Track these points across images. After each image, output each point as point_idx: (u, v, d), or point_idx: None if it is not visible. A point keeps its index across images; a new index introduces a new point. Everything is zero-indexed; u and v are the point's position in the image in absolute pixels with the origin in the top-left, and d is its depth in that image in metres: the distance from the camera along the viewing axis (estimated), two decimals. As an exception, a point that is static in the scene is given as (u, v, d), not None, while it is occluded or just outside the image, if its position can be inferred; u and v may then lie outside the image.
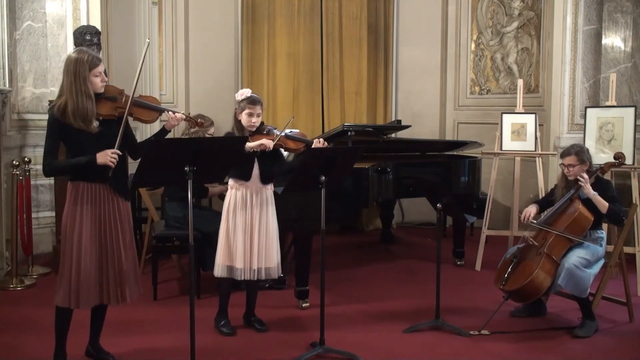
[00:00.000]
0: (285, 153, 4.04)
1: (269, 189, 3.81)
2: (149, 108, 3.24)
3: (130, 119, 3.18)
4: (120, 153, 3.10)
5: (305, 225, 4.21)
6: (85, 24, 5.27)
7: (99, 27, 5.22)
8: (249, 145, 3.57)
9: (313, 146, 3.72)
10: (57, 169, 3.21)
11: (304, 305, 4.30)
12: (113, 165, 3.06)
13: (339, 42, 7.12)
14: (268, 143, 3.64)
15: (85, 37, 4.99)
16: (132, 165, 4.64)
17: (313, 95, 7.12)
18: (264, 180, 3.76)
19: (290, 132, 3.86)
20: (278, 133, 3.76)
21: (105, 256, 3.16)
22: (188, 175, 2.92)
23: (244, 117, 3.71)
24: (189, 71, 7.07)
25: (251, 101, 3.70)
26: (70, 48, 5.13)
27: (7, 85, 5.06)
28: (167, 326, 3.94)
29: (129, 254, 3.25)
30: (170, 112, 3.29)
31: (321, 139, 3.79)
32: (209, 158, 3.01)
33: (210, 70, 7.01)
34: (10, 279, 4.75)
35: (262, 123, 3.78)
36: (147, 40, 3.25)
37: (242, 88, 7.04)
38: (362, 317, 4.16)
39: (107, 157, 3.04)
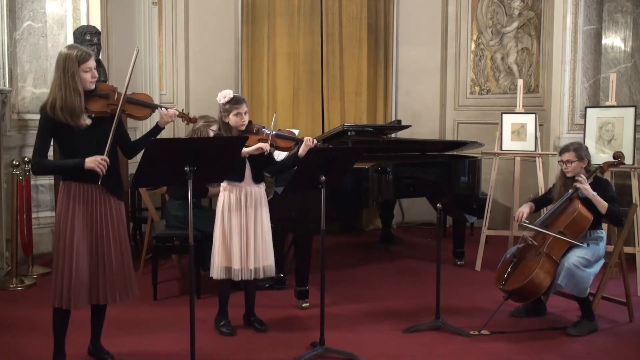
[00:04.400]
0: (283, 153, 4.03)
1: (261, 187, 3.82)
2: (142, 105, 3.23)
3: (122, 116, 3.16)
4: (109, 162, 3.05)
5: (305, 225, 4.21)
6: (85, 24, 5.27)
7: (99, 27, 5.22)
8: (246, 150, 3.56)
9: (304, 145, 3.71)
10: (46, 168, 3.22)
11: (304, 305, 4.30)
12: (102, 173, 3.03)
13: (339, 42, 7.12)
14: (265, 146, 3.64)
15: (85, 37, 4.99)
16: (132, 165, 4.66)
17: (313, 95, 7.12)
18: (257, 179, 3.77)
19: (280, 130, 3.86)
20: (268, 132, 3.75)
21: (96, 257, 3.14)
22: (188, 175, 2.92)
23: (232, 119, 3.68)
24: (189, 71, 7.08)
25: (236, 101, 3.68)
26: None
27: (7, 85, 5.05)
28: (167, 326, 3.94)
29: (121, 254, 3.21)
30: (163, 109, 3.27)
31: (313, 139, 3.77)
32: (210, 158, 3.01)
33: (210, 70, 7.01)
34: (10, 279, 4.75)
35: (249, 122, 3.77)
36: (137, 48, 3.22)
37: (242, 88, 7.15)
38: (362, 317, 4.16)
39: (96, 163, 3.01)
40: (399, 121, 6.32)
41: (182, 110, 3.42)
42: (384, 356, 3.55)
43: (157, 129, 3.33)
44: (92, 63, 3.09)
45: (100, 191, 3.15)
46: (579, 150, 3.94)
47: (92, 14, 5.41)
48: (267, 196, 4.34)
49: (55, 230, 3.17)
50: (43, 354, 3.33)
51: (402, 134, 6.46)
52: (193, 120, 3.43)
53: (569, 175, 3.96)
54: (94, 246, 3.15)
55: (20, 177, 4.85)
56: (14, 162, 4.84)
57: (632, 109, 5.06)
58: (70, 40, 5.21)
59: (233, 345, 3.68)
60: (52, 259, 3.24)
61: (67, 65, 3.01)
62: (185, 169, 2.90)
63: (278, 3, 7.03)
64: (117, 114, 3.09)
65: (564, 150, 4.02)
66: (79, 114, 3.03)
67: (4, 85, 5.02)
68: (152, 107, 3.26)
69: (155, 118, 3.79)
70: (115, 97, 3.13)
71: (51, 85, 3.10)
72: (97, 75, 3.15)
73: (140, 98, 3.26)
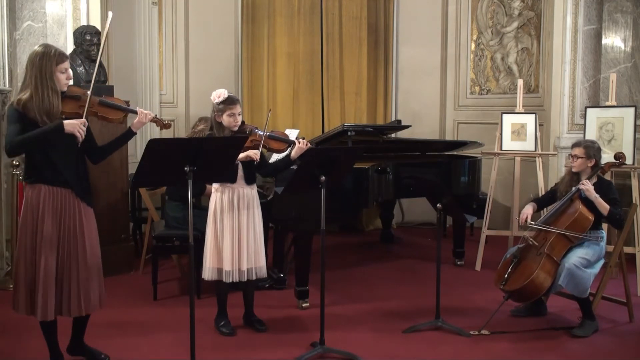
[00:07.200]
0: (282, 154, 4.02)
1: (254, 188, 3.81)
2: (115, 107, 3.20)
3: (95, 119, 3.13)
4: (87, 124, 3.00)
5: (305, 225, 4.21)
6: (85, 24, 5.26)
7: (99, 27, 5.22)
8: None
9: (297, 147, 3.72)
10: (22, 142, 2.93)
11: (304, 305, 4.30)
12: (80, 137, 2.97)
13: (339, 42, 7.12)
14: (254, 155, 3.63)
15: (85, 37, 4.98)
16: (132, 165, 4.65)
17: (313, 95, 7.12)
18: (249, 180, 3.76)
19: (272, 132, 3.86)
20: (260, 133, 3.74)
21: (62, 267, 3.06)
22: (188, 175, 2.92)
23: (225, 119, 3.68)
24: (189, 71, 7.08)
25: (231, 102, 3.67)
26: (70, 48, 5.12)
27: (7, 85, 5.05)
28: (167, 326, 3.94)
29: (89, 264, 3.11)
30: (139, 110, 3.21)
31: (304, 141, 3.77)
32: (210, 158, 3.01)
33: (210, 70, 7.01)
34: (10, 279, 4.74)
35: (242, 122, 3.76)
36: (110, 12, 3.22)
37: (242, 88, 7.15)
38: (362, 317, 4.16)
39: (75, 127, 2.95)
40: (399, 121, 6.32)
41: (156, 115, 3.32)
42: (384, 356, 3.55)
43: (130, 133, 3.25)
44: (67, 64, 3.06)
45: (71, 196, 3.08)
46: (589, 149, 3.95)
47: (92, 14, 5.40)
48: (267, 196, 4.34)
49: (20, 234, 3.08)
50: (43, 355, 3.33)
51: (402, 134, 6.46)
52: (167, 127, 3.36)
53: (573, 170, 3.98)
54: (60, 254, 3.06)
55: (20, 177, 4.84)
56: (14, 162, 4.83)
57: (632, 109, 5.06)
58: (70, 40, 5.20)
59: (233, 345, 3.68)
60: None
61: (45, 64, 2.97)
62: (186, 169, 2.91)
63: (278, 3, 7.04)
64: (87, 105, 3.03)
65: (575, 144, 4.03)
66: (56, 115, 2.98)
67: (4, 85, 5.02)
68: (126, 111, 3.22)
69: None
70: (88, 99, 3.08)
71: (24, 83, 3.02)
72: (72, 77, 3.13)
73: (113, 101, 3.23)
